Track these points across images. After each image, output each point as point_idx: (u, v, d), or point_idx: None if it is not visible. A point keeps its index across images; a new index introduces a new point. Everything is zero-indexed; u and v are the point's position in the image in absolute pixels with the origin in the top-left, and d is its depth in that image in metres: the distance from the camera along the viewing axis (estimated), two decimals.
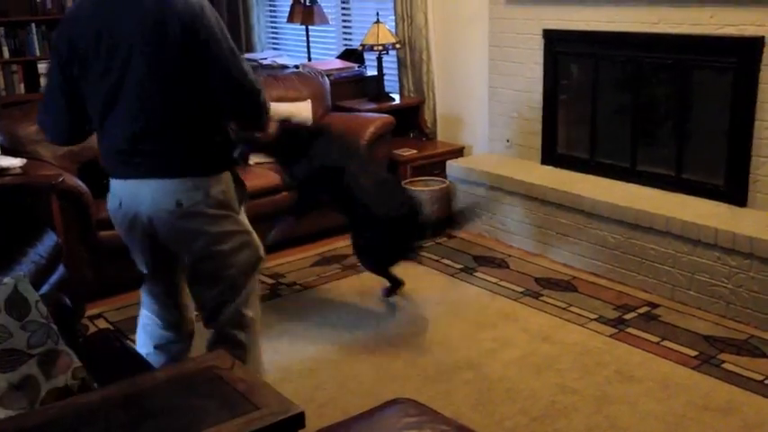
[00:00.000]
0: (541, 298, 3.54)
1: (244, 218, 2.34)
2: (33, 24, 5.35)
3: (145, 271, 2.42)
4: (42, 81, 5.33)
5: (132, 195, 2.20)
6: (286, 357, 3.06)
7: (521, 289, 3.65)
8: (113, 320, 3.40)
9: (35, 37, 5.37)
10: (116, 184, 2.25)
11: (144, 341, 2.51)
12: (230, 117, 2.25)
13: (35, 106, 4.12)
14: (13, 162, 3.35)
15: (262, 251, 2.40)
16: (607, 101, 4.01)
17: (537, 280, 3.74)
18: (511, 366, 2.94)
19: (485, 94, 4.58)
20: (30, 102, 4.60)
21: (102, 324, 3.35)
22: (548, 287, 3.65)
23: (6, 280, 2.02)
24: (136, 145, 2.13)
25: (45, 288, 2.79)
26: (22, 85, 5.35)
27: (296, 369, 2.97)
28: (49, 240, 3.03)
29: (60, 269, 3.04)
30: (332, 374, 2.93)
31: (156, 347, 2.49)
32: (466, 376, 2.88)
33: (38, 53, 5.39)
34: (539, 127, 4.27)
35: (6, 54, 5.28)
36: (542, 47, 4.14)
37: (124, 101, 2.10)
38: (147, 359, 2.33)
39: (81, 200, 3.44)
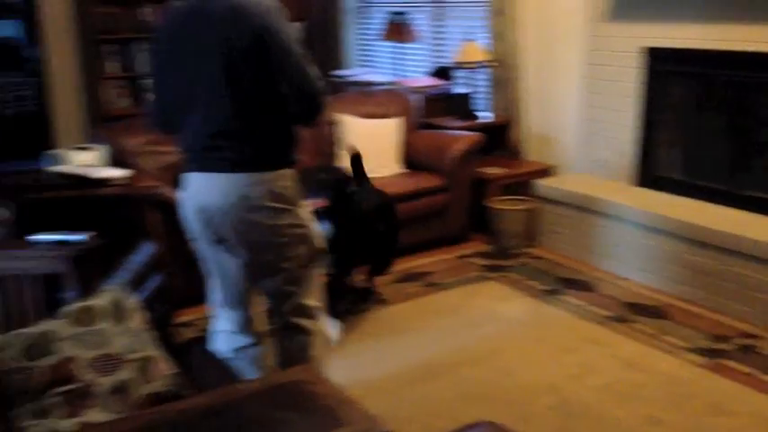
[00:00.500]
0: (630, 324, 3.44)
1: (305, 212, 2.44)
2: (139, 42, 5.63)
3: (209, 272, 2.53)
4: (146, 96, 5.58)
5: (204, 188, 2.35)
6: (366, 373, 3.08)
7: (608, 313, 3.55)
8: (204, 328, 3.51)
9: (140, 54, 5.64)
10: (191, 177, 2.40)
11: (220, 347, 2.60)
12: (291, 116, 2.36)
13: (139, 120, 4.36)
14: (117, 173, 3.52)
15: (321, 243, 2.51)
16: (707, 121, 3.87)
17: (625, 305, 3.64)
18: (596, 393, 2.87)
19: (578, 113, 4.51)
20: (134, 116, 4.83)
21: (192, 332, 3.47)
22: (637, 312, 3.55)
23: (109, 287, 2.14)
24: (211, 142, 2.29)
25: (142, 295, 2.91)
26: (127, 100, 5.63)
27: (376, 386, 2.98)
28: (147, 249, 3.16)
29: (156, 277, 3.17)
30: (412, 393, 2.93)
31: (232, 351, 2.57)
32: (549, 401, 2.83)
33: (143, 69, 5.66)
34: (634, 148, 4.17)
35: (115, 70, 5.57)
36: (640, 65, 4.04)
37: (201, 100, 2.28)
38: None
39: (176, 211, 3.58)
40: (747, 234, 3.35)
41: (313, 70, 2.27)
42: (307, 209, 2.47)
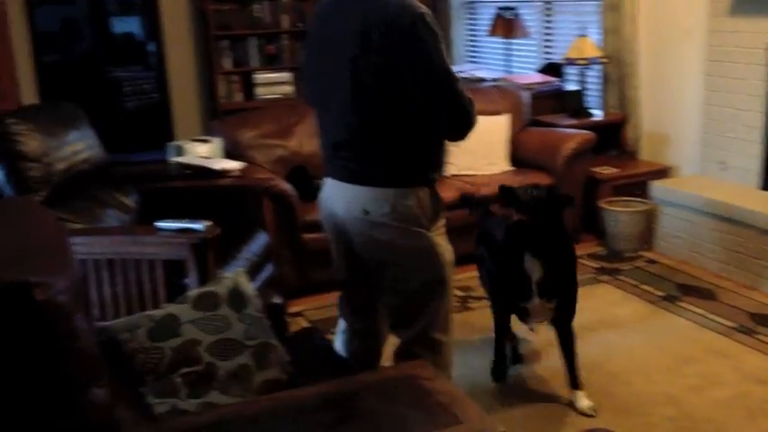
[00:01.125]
0: (757, 336, 3.23)
1: (437, 236, 2.25)
2: (252, 38, 5.77)
3: (340, 277, 2.47)
4: (257, 90, 5.73)
5: (333, 195, 2.29)
6: (472, 371, 3.03)
7: (732, 324, 3.35)
8: (313, 319, 3.56)
9: (253, 49, 5.78)
10: (326, 181, 2.34)
11: (339, 347, 2.57)
12: (437, 133, 2.19)
13: (252, 114, 4.48)
14: (234, 165, 3.61)
15: (447, 272, 2.28)
16: None
17: (752, 315, 3.42)
18: (719, 407, 2.71)
19: (697, 112, 4.28)
20: (246, 109, 4.96)
21: (302, 322, 3.52)
22: (764, 324, 3.33)
23: (228, 274, 2.19)
24: (338, 150, 2.22)
25: (256, 284, 2.97)
26: (241, 94, 5.78)
27: (483, 384, 2.93)
28: (261, 239, 3.24)
29: (269, 267, 3.24)
30: (522, 395, 2.86)
31: (348, 355, 2.53)
32: (667, 412, 2.69)
33: (255, 64, 5.80)
34: (759, 149, 3.92)
35: (229, 65, 5.74)
36: (767, 62, 3.79)
37: (334, 105, 2.19)
38: None
39: (289, 203, 3.65)
40: None
41: (460, 86, 2.09)
42: (442, 233, 2.28)
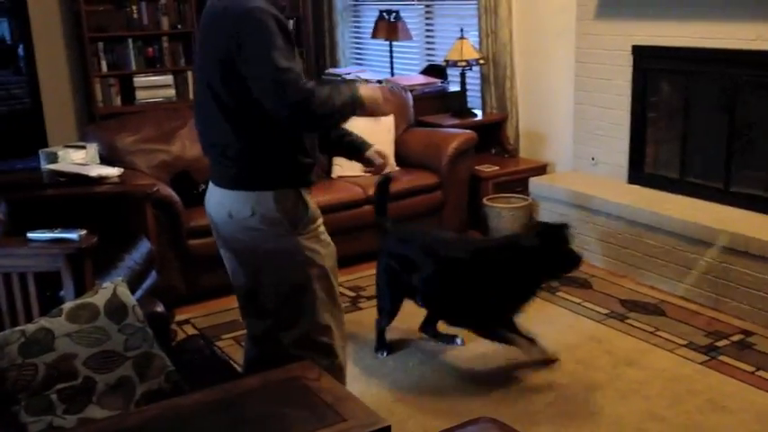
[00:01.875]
0: (627, 321, 3.44)
1: (307, 239, 2.20)
2: (130, 40, 5.59)
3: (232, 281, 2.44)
4: (137, 94, 5.55)
5: (209, 198, 2.29)
6: (366, 371, 3.07)
7: (605, 311, 3.55)
8: (201, 326, 3.49)
9: (132, 52, 5.60)
10: (209, 185, 2.31)
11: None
12: (282, 126, 2.11)
13: (132, 118, 4.34)
14: (112, 171, 3.49)
15: (316, 277, 2.23)
16: (699, 119, 3.89)
17: (623, 302, 3.64)
18: (595, 390, 2.87)
19: (570, 111, 4.51)
20: (126, 114, 4.80)
21: (189, 330, 3.45)
22: (634, 310, 3.55)
23: (106, 284, 2.11)
24: (207, 152, 2.23)
25: (138, 293, 2.89)
26: (119, 98, 5.59)
27: (375, 383, 2.97)
28: (143, 247, 3.14)
29: (153, 275, 3.15)
30: (411, 390, 2.92)
31: (246, 360, 2.48)
32: (548, 398, 2.83)
33: (134, 67, 5.62)
34: (626, 145, 4.17)
35: (105, 68, 5.53)
36: (631, 63, 4.05)
37: (200, 105, 2.20)
38: None
39: (173, 209, 3.57)
40: (742, 231, 3.36)
41: (293, 75, 1.98)
42: (315, 236, 2.23)
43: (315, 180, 2.28)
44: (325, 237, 2.28)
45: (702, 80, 3.81)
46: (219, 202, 2.21)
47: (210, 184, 2.27)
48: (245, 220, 2.16)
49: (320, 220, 2.27)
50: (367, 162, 2.47)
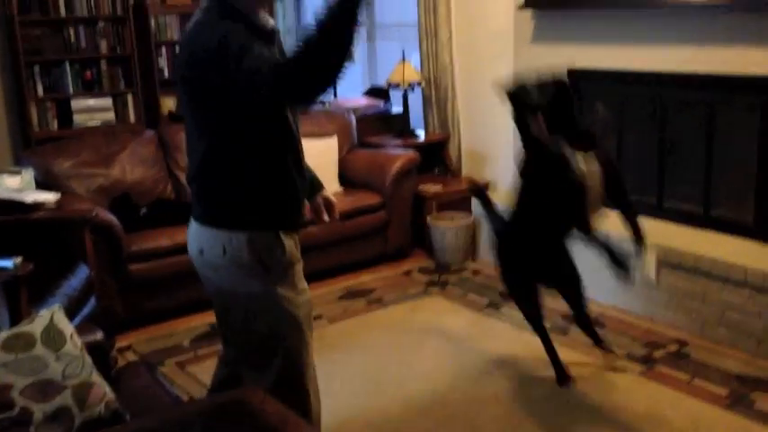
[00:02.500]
0: (569, 334, 3.52)
1: (282, 287, 2.08)
2: (67, 63, 5.49)
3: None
4: (75, 117, 5.45)
5: (188, 231, 2.18)
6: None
7: (548, 324, 3.61)
8: (142, 352, 3.43)
9: (69, 75, 5.50)
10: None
11: None
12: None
13: (69, 142, 4.26)
14: (48, 197, 3.41)
15: (289, 328, 2.11)
16: (633, 138, 4.02)
17: (563, 316, 3.72)
18: (542, 402, 2.92)
19: (509, 131, 4.60)
20: (63, 138, 4.71)
21: (131, 356, 3.38)
22: (573, 322, 3.62)
23: (43, 312, 2.07)
24: (189, 183, 2.14)
25: (77, 320, 2.83)
26: (56, 122, 5.47)
27: (323, 404, 2.96)
28: (81, 273, 3.08)
29: (92, 301, 3.09)
30: (359, 410, 2.92)
31: (214, 381, 2.39)
32: (495, 411, 2.87)
33: (71, 90, 5.52)
34: None
35: (41, 91, 5.41)
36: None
37: (188, 135, 2.10)
38: None
39: (113, 233, 3.51)
40: (675, 245, 3.49)
41: (259, 59, 1.78)
42: (291, 282, 2.09)
43: (304, 222, 2.17)
44: (302, 284, 2.15)
45: (635, 101, 3.95)
46: (193, 236, 2.12)
47: (191, 218, 2.15)
48: (216, 259, 2.05)
49: (298, 266, 2.14)
50: (314, 206, 2.36)
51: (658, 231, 3.68)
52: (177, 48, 5.01)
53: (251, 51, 1.80)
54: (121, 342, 3.51)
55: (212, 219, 2.05)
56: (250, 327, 2.12)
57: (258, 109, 1.93)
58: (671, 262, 3.47)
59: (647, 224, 3.77)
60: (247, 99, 1.85)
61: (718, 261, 3.30)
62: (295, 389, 2.15)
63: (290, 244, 2.09)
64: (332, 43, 1.75)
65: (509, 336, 3.53)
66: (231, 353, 2.28)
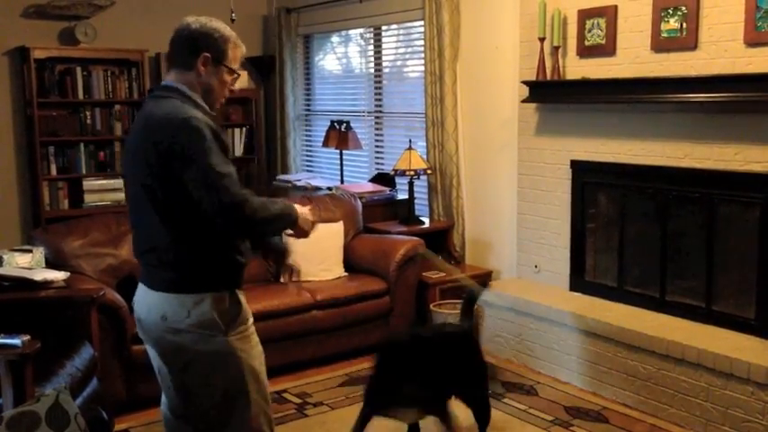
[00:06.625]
0: (572, 428, 3.47)
1: (237, 341, 2.25)
2: (81, 144, 5.64)
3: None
4: (86, 197, 5.55)
5: (139, 299, 2.31)
6: None
7: (550, 417, 3.59)
8: None
9: (83, 155, 5.65)
10: (138, 286, 2.34)
11: None
12: (222, 233, 2.19)
13: (79, 222, 4.32)
14: (57, 275, 3.46)
15: (247, 380, 2.26)
16: (635, 230, 4.08)
17: (567, 409, 3.68)
18: None
19: (513, 220, 4.68)
20: (72, 217, 4.78)
21: None
22: (578, 417, 3.59)
23: (48, 392, 2.08)
24: (142, 254, 2.26)
25: (79, 400, 2.82)
26: (67, 201, 5.58)
27: None
28: (85, 353, 3.09)
29: (94, 382, 3.08)
30: None
31: None
32: None
33: (84, 171, 5.65)
34: (567, 254, 4.33)
35: (54, 171, 5.54)
36: (570, 176, 4.27)
37: (135, 209, 2.26)
38: None
39: (118, 314, 3.53)
40: (679, 339, 3.48)
41: (227, 182, 2.10)
42: (245, 336, 2.28)
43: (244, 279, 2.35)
44: (255, 338, 2.33)
45: (636, 194, 4.03)
46: (153, 304, 2.24)
47: (141, 287, 2.29)
48: (179, 323, 2.19)
49: (251, 320, 2.33)
50: (287, 270, 2.59)
51: (661, 325, 3.69)
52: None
53: (218, 157, 2.12)
54: (121, 425, 3.47)
55: (178, 285, 2.20)
56: (210, 382, 2.25)
57: (203, 205, 2.13)
58: (673, 356, 3.46)
59: (650, 317, 3.80)
60: (201, 196, 2.11)
61: (720, 356, 3.29)
62: None
63: (244, 301, 2.31)
64: (267, 225, 2.26)
65: (511, 427, 3.49)
66: (186, 430, 2.36)
